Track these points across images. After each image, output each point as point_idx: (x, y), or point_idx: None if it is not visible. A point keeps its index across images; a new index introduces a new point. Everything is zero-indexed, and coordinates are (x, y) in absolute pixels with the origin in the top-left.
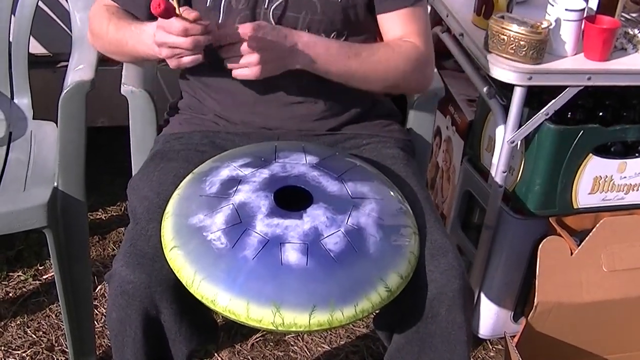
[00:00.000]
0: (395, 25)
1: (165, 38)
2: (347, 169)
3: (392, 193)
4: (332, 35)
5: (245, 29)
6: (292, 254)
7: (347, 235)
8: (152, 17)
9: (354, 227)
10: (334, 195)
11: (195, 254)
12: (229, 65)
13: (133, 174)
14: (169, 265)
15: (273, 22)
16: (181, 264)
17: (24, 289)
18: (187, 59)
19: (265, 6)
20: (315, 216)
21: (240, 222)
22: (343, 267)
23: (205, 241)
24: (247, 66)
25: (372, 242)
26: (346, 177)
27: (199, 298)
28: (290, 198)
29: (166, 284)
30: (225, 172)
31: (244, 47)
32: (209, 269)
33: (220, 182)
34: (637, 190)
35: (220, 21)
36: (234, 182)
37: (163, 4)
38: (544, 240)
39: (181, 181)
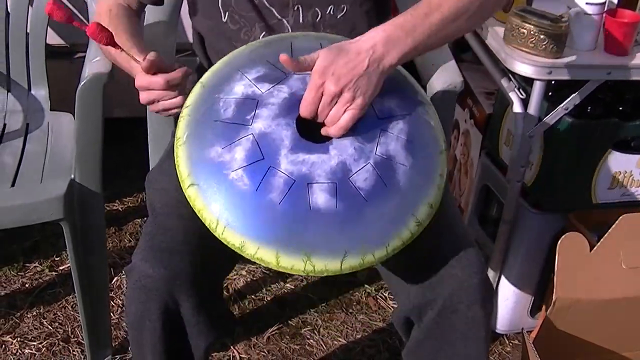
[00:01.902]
0: None
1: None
2: None
3: (419, 99)
4: (329, 8)
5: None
6: (320, 196)
7: (377, 168)
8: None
9: (383, 157)
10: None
11: (218, 196)
12: (339, 123)
13: (150, 168)
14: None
15: (266, 2)
16: (202, 205)
17: (40, 280)
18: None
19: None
20: (342, 148)
21: (262, 159)
22: (373, 206)
23: (227, 181)
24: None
25: (401, 173)
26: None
27: (225, 243)
28: (312, 122)
29: (185, 277)
30: (239, 89)
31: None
32: (234, 215)
33: (236, 103)
34: None
35: (220, 3)
36: (251, 104)
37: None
38: (562, 237)
39: None
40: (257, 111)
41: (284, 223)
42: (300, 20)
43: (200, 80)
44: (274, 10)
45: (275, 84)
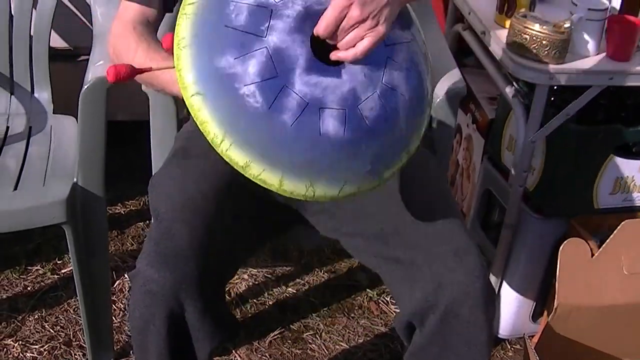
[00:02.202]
0: None
1: None
2: None
3: (415, 26)
4: None
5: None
6: (330, 123)
7: (382, 97)
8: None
9: (388, 86)
10: None
11: (226, 111)
12: (355, 49)
13: (153, 172)
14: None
15: None
16: (206, 117)
17: (42, 283)
18: None
19: None
20: (353, 73)
21: (277, 76)
22: (376, 137)
23: (237, 96)
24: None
25: (401, 104)
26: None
27: (227, 160)
28: (323, 43)
29: (190, 281)
30: None
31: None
32: (242, 133)
33: (248, 9)
34: None
35: None
36: (265, 14)
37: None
38: (564, 243)
39: (204, 180)
40: (271, 22)
41: (295, 146)
42: None
43: None
44: None
45: None
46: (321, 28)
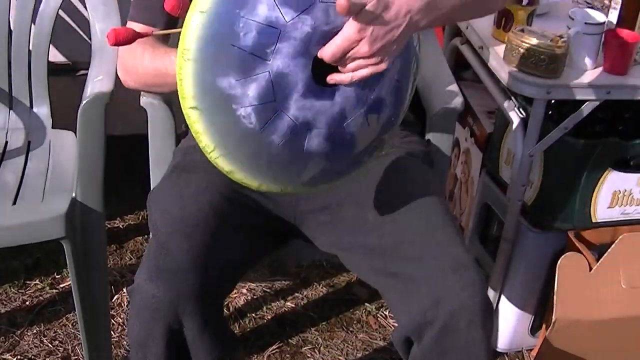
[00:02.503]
0: None
1: None
2: None
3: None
4: None
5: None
6: (315, 141)
7: (368, 111)
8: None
9: (375, 101)
10: None
11: (220, 128)
12: (353, 74)
13: (152, 187)
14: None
15: None
16: (200, 129)
17: (40, 298)
18: None
19: None
20: (346, 95)
21: (274, 101)
22: (355, 147)
23: (233, 116)
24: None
25: (385, 115)
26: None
27: (213, 164)
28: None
29: (189, 297)
30: (263, 10)
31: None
32: (231, 148)
33: (257, 29)
34: None
35: None
36: (273, 35)
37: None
38: (562, 257)
39: (202, 195)
40: (278, 45)
41: (276, 161)
42: None
43: None
44: None
45: (300, 12)
46: (327, 55)
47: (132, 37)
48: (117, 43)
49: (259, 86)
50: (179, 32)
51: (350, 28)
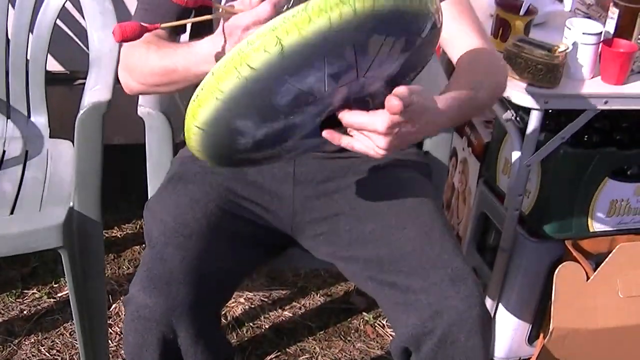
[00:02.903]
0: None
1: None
2: None
3: None
4: None
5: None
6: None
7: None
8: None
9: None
10: None
11: (217, 151)
12: (352, 143)
13: (149, 196)
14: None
15: None
16: (197, 147)
17: (38, 307)
18: None
19: None
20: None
21: (277, 144)
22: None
23: (233, 145)
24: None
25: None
26: None
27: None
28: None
29: (183, 307)
30: (311, 80)
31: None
32: (219, 162)
33: (296, 93)
34: None
35: None
36: (307, 99)
37: None
38: (559, 266)
39: (198, 205)
40: (305, 107)
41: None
42: None
43: (281, 39)
44: None
45: (341, 85)
46: (348, 122)
47: (139, 32)
48: (125, 39)
49: (270, 129)
50: (188, 24)
51: (383, 122)
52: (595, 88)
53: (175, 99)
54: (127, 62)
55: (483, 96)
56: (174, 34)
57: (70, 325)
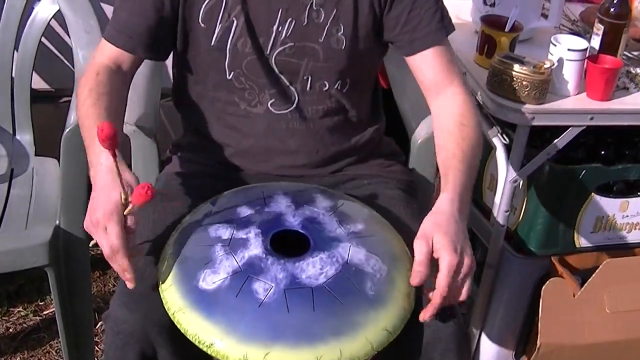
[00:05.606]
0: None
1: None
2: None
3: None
4: (337, 83)
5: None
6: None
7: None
8: (150, 52)
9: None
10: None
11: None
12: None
13: None
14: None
15: (276, 69)
16: (189, 325)
17: (24, 325)
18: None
19: (268, 52)
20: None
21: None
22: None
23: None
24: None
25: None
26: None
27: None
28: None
29: (162, 324)
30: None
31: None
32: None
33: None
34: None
35: (227, 62)
36: (241, 244)
37: (108, 132)
38: (547, 282)
39: (179, 222)
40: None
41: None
42: (308, 89)
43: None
44: (283, 78)
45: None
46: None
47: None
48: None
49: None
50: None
51: (441, 281)
52: (581, 104)
53: (162, 117)
54: (79, 87)
55: (475, 168)
56: (149, 57)
57: (57, 343)
